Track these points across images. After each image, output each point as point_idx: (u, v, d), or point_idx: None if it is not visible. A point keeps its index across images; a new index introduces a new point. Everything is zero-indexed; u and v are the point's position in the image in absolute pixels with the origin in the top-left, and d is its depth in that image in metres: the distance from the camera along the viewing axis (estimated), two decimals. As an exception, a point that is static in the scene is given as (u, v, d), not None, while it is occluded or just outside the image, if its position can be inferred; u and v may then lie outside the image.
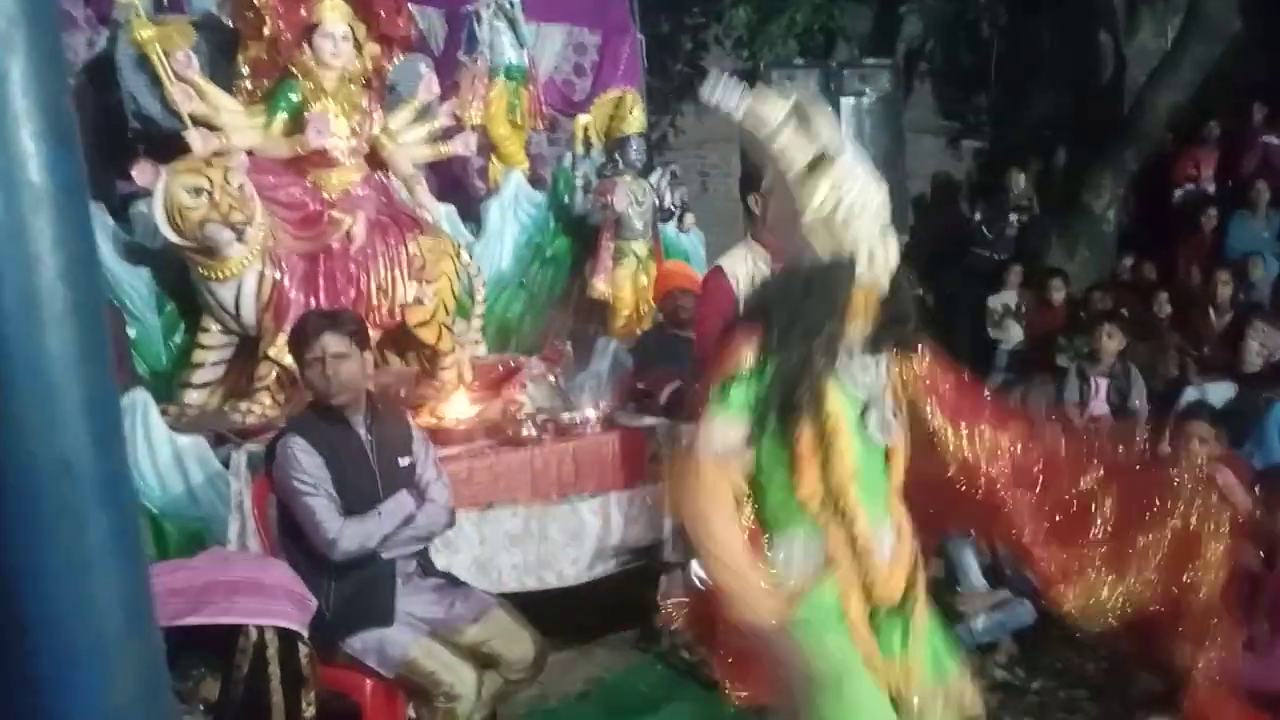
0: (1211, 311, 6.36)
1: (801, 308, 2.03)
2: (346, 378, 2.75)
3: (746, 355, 2.02)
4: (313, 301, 3.77)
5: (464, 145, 4.60)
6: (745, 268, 3.49)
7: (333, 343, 2.71)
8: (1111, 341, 5.28)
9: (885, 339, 2.13)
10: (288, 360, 3.62)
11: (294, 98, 3.93)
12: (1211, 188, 8.35)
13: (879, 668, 2.01)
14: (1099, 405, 5.10)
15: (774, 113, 2.06)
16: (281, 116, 3.94)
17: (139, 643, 0.91)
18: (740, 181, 8.75)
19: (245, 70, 4.01)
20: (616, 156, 5.30)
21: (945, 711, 2.08)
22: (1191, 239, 7.86)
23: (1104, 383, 5.16)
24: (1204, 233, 7.84)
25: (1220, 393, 5.76)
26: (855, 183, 2.06)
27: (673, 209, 5.89)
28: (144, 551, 0.99)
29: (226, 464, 3.35)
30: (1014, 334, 7.06)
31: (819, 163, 2.06)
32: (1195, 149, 8.55)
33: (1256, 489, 3.66)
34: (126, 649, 0.90)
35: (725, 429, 1.99)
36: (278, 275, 3.77)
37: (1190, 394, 5.69)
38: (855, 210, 2.04)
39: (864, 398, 2.08)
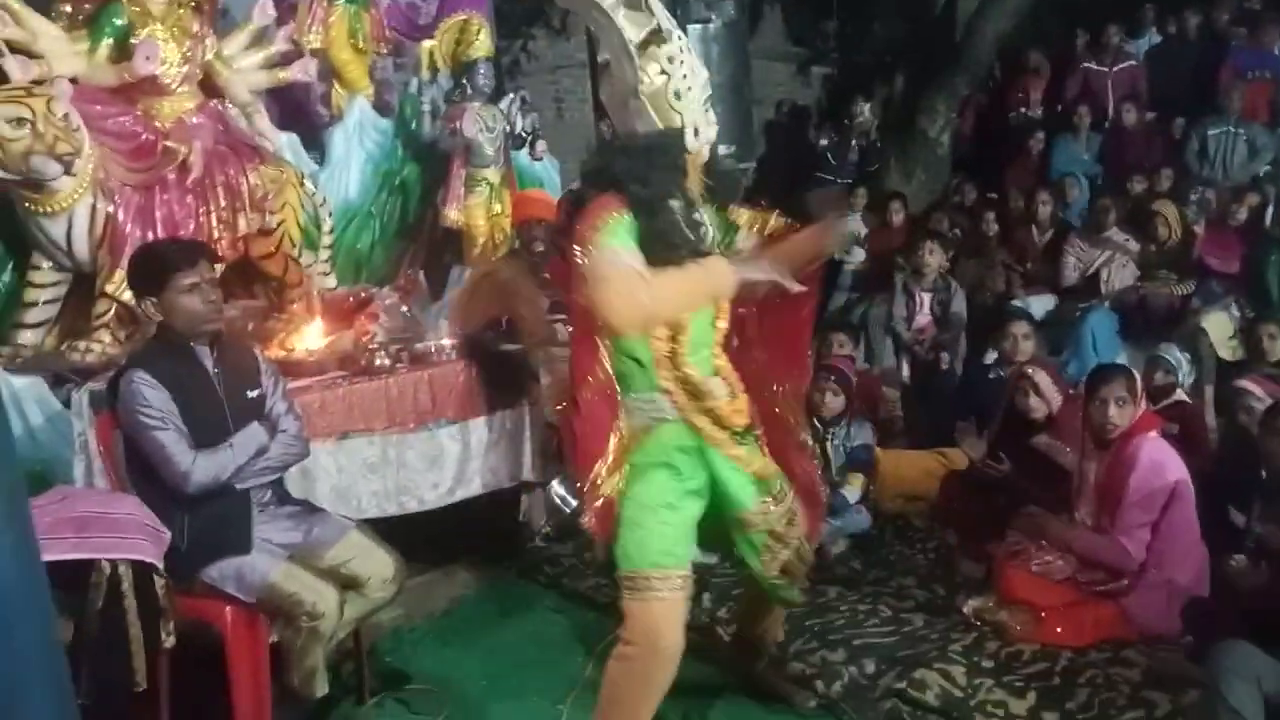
0: (1034, 229, 6.78)
1: (649, 176, 2.26)
2: (221, 304, 2.79)
3: (615, 208, 2.24)
4: (150, 235, 3.67)
5: (303, 71, 4.49)
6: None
7: (207, 268, 2.72)
8: (932, 258, 5.59)
9: (713, 196, 2.46)
10: (126, 296, 3.53)
11: (119, 22, 3.77)
12: (1039, 113, 8.81)
13: (742, 458, 2.45)
14: (924, 317, 5.43)
15: None
16: (106, 42, 3.77)
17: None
18: (595, 106, 8.76)
19: (64, -7, 3.81)
20: (464, 82, 5.25)
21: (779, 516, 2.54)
22: (1019, 161, 8.30)
23: (927, 296, 5.49)
24: (1031, 155, 8.30)
25: (1042, 304, 6.21)
26: (685, 63, 2.29)
27: (524, 135, 5.89)
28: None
29: (67, 404, 3.27)
30: (857, 254, 7.36)
31: (653, 39, 2.26)
32: (1026, 76, 8.99)
33: (1075, 388, 4.02)
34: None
35: (622, 250, 2.20)
36: (111, 208, 3.64)
37: (1015, 305, 6.11)
38: (684, 88, 2.27)
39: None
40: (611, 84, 2.37)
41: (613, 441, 2.37)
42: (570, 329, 2.38)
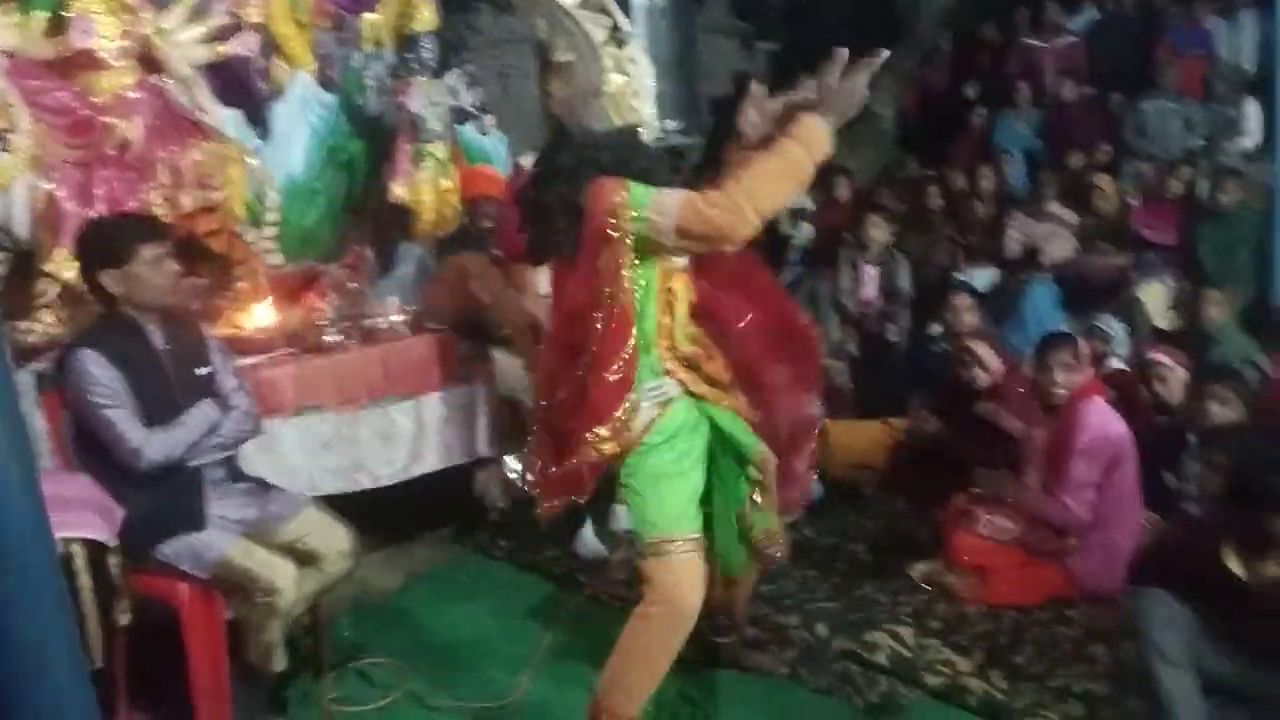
0: (977, 204, 6.90)
1: (635, 165, 2.35)
2: (180, 277, 2.78)
3: (620, 181, 2.30)
4: (90, 213, 3.58)
5: (244, 45, 4.41)
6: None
7: (164, 244, 2.71)
8: (877, 231, 5.67)
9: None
10: (68, 275, 3.46)
11: (53, -5, 3.68)
12: (979, 89, 8.94)
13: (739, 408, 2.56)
14: (869, 291, 5.53)
15: None
16: (40, 15, 3.67)
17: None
18: (540, 81, 8.74)
19: (-7, -35, 3.70)
20: (408, 56, 5.20)
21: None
22: (962, 137, 8.43)
23: (873, 270, 5.57)
24: (973, 131, 8.43)
25: (984, 277, 6.33)
26: (640, 64, 2.33)
27: (470, 110, 5.86)
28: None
29: (10, 385, 3.20)
30: (805, 230, 7.42)
31: (612, 40, 2.30)
32: (979, 49, 9.11)
33: (1019, 357, 4.13)
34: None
35: (662, 192, 2.30)
36: (50, 186, 3.55)
37: (959, 278, 6.23)
38: (638, 88, 2.32)
39: None
40: (570, 82, 2.40)
41: (619, 411, 2.43)
42: (611, 308, 2.40)
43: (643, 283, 2.39)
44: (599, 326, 2.39)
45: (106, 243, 2.69)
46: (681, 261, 2.50)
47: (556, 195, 2.42)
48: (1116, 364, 4.50)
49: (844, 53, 2.30)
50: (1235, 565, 2.38)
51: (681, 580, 2.43)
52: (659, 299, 2.44)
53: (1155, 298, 5.47)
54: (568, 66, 2.42)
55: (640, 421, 2.44)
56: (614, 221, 2.30)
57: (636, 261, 2.36)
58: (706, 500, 2.61)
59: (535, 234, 2.52)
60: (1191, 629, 2.47)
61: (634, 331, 2.41)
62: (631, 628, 2.48)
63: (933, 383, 4.45)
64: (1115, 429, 3.41)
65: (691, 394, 2.52)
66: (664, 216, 2.28)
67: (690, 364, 2.53)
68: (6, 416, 1.06)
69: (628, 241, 2.31)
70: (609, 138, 2.41)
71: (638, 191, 2.30)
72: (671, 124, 8.58)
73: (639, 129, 2.41)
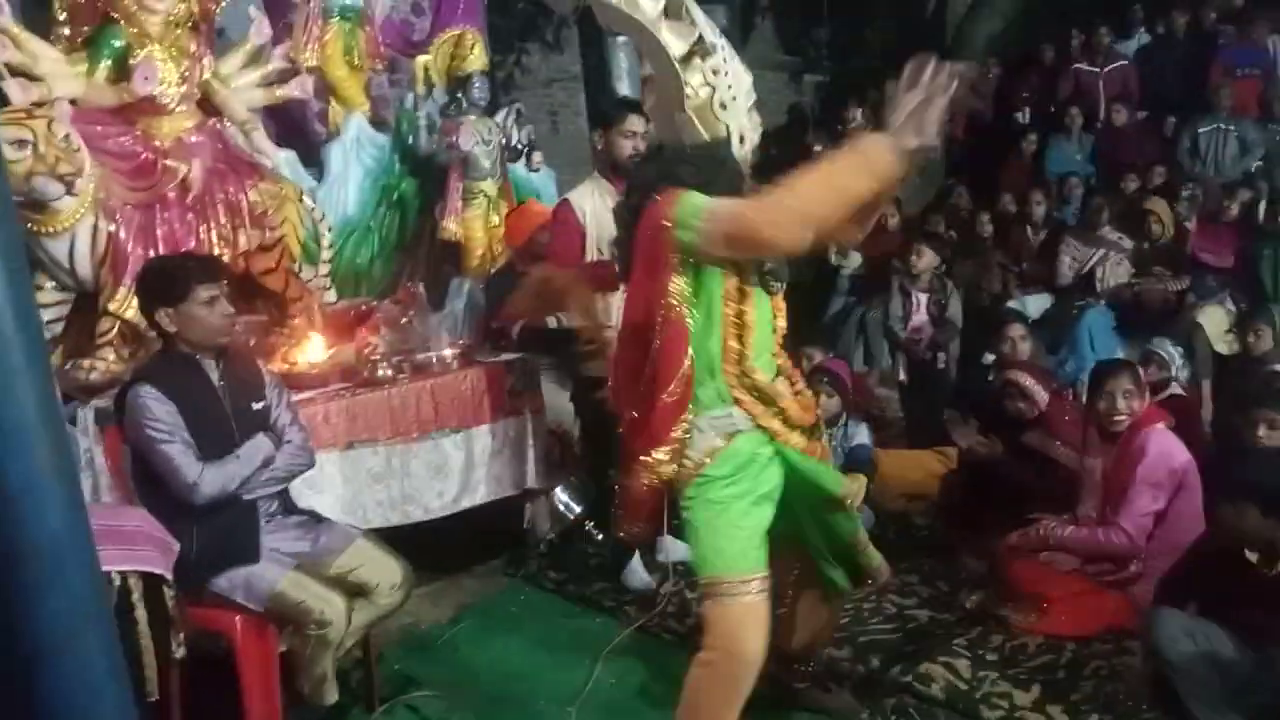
0: (1029, 230, 6.82)
1: (716, 182, 2.27)
2: (234, 317, 2.85)
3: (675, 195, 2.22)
4: (151, 253, 3.70)
5: (300, 89, 4.53)
6: (592, 201, 3.60)
7: (221, 283, 2.80)
8: (922, 260, 5.62)
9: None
10: (129, 314, 3.57)
11: (117, 44, 3.81)
12: (1028, 114, 8.86)
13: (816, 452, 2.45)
14: (920, 317, 5.48)
15: (654, 2, 2.24)
16: (105, 63, 3.81)
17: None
18: (589, 118, 8.83)
19: (62, 16, 3.84)
20: (460, 96, 5.31)
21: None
22: (1013, 163, 8.36)
23: (923, 297, 5.53)
24: (1024, 156, 8.36)
25: (1038, 304, 6.25)
26: (729, 72, 2.28)
27: (520, 147, 5.95)
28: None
29: (73, 422, 3.30)
30: (854, 259, 7.39)
31: (696, 51, 2.27)
32: (1025, 76, 9.04)
33: (1074, 386, 4.06)
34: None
35: (714, 201, 2.20)
36: (112, 227, 3.67)
37: (1011, 305, 6.16)
38: (729, 97, 2.27)
39: None
40: (657, 96, 2.38)
41: (676, 433, 2.37)
42: (665, 325, 2.32)
43: (702, 301, 2.30)
44: (656, 344, 2.31)
45: (163, 282, 2.76)
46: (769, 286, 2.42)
47: (632, 210, 2.37)
48: (1175, 389, 4.40)
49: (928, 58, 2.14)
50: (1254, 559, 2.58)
51: (740, 626, 2.32)
52: (726, 323, 2.34)
53: (1214, 321, 5.35)
54: (651, 80, 2.41)
55: (700, 448, 2.35)
56: (661, 234, 2.23)
57: (688, 277, 2.27)
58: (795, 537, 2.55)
59: (619, 252, 2.46)
60: (1199, 630, 2.57)
61: (689, 351, 2.31)
62: (693, 675, 2.39)
63: (983, 412, 4.39)
64: (1179, 458, 3.34)
65: (761, 428, 2.40)
66: (715, 223, 2.17)
67: (764, 397, 2.40)
68: (53, 436, 1.08)
69: (675, 254, 2.23)
70: (691, 152, 2.34)
71: (693, 200, 2.22)
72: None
73: (723, 144, 2.31)
